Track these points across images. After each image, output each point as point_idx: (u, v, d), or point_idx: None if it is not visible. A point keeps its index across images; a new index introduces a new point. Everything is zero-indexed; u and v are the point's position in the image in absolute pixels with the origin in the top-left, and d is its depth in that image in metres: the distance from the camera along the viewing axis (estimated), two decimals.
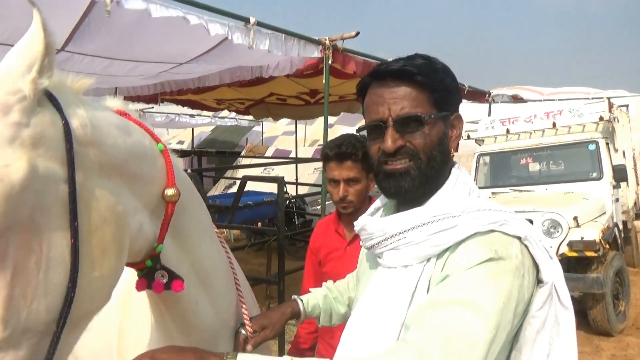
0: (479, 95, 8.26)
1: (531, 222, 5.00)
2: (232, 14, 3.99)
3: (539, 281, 1.03)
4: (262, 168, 10.20)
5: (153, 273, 1.03)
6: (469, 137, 7.39)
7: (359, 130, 1.19)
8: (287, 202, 7.44)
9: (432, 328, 0.90)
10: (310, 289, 1.67)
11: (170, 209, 1.02)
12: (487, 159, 6.86)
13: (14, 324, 0.71)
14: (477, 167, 6.84)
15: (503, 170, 6.80)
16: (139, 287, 1.05)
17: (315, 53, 4.73)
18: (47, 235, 0.74)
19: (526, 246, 1.02)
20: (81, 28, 3.75)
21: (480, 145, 7.10)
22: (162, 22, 3.49)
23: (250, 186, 7.72)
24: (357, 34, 4.78)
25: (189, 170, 4.96)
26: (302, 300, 1.56)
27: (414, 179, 1.08)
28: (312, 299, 1.58)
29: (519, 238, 1.01)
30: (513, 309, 0.95)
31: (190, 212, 1.12)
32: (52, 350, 0.76)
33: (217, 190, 12.29)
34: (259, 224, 8.40)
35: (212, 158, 15.53)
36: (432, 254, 1.03)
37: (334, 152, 2.04)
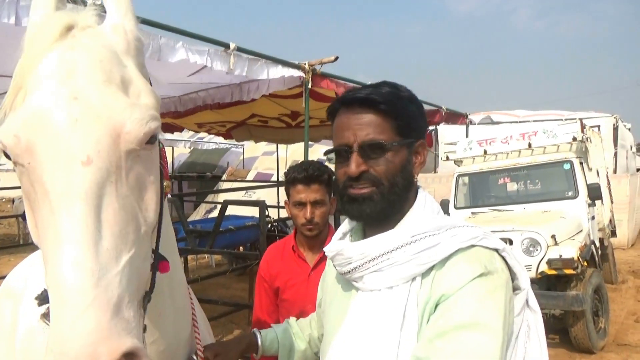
0: (457, 117, 8.41)
1: (511, 241, 5.06)
2: (213, 39, 4.02)
3: (514, 288, 1.07)
4: (244, 192, 10.15)
5: None
6: (447, 159, 7.50)
7: (326, 153, 1.21)
8: (269, 225, 7.39)
9: (449, 357, 0.91)
10: (272, 325, 1.63)
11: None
12: (466, 179, 6.95)
13: (151, 223, 0.90)
14: (456, 188, 6.91)
15: (482, 190, 6.88)
16: None
17: (295, 77, 4.78)
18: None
19: (503, 257, 1.07)
20: None
21: (459, 166, 7.20)
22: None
23: (232, 210, 7.64)
24: (336, 58, 4.85)
25: (169, 195, 4.90)
26: (260, 333, 1.53)
27: (377, 203, 1.11)
28: (271, 333, 1.55)
29: (496, 250, 1.06)
30: (509, 321, 0.99)
31: (167, 218, 1.12)
32: (157, 241, 0.96)
33: (197, 215, 12.15)
34: (241, 248, 8.31)
35: (193, 182, 15.41)
36: (417, 272, 1.04)
37: (302, 175, 2.06)
